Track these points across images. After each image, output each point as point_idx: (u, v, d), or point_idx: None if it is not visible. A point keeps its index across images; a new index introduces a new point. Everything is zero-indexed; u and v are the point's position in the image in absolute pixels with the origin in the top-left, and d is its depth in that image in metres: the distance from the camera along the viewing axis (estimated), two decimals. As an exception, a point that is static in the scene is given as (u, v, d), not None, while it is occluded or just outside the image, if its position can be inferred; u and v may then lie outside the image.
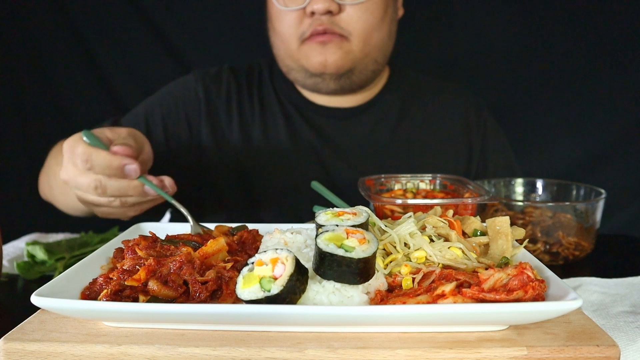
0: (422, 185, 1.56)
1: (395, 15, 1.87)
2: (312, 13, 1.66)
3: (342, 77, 1.77)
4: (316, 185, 1.59)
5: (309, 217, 1.41)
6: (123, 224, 1.43)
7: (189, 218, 1.21)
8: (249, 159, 1.85)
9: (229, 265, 0.95)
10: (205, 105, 1.87)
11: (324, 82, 1.78)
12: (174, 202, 1.25)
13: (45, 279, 1.31)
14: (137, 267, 0.94)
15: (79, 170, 1.23)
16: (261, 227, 1.19)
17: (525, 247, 1.05)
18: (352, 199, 1.38)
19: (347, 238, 0.89)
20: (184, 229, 1.21)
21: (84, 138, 1.24)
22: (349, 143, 1.89)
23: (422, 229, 1.05)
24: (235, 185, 1.86)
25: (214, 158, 1.85)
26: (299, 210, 1.83)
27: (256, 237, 1.12)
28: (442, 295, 0.84)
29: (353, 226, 0.94)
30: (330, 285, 0.87)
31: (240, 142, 1.84)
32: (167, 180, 1.29)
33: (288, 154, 1.85)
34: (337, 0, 1.64)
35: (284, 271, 0.83)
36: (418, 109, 1.97)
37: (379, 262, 0.95)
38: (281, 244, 1.00)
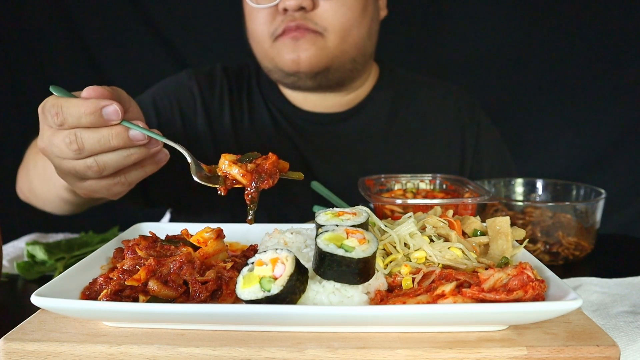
0: (422, 185, 1.56)
1: (377, 14, 1.81)
2: (285, 10, 1.61)
3: (318, 75, 1.71)
4: (316, 185, 1.59)
5: (298, 220, 1.41)
6: (123, 224, 1.43)
7: (189, 158, 1.07)
8: None
9: (229, 265, 0.96)
10: (201, 101, 1.84)
11: (301, 80, 1.73)
12: (166, 140, 1.07)
13: (45, 279, 1.31)
14: (137, 267, 0.94)
15: (53, 130, 1.04)
16: (260, 227, 1.19)
17: (525, 247, 1.05)
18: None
19: (347, 238, 0.89)
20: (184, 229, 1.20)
21: (54, 93, 1.05)
22: (338, 148, 1.86)
23: (422, 229, 1.05)
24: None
25: (211, 158, 1.83)
26: (288, 213, 1.82)
27: (277, 166, 1.02)
28: (442, 295, 0.84)
29: (353, 226, 0.94)
30: (330, 285, 0.87)
31: (233, 144, 1.82)
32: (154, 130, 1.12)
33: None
34: None
35: (284, 271, 0.83)
36: (409, 108, 1.94)
37: (379, 262, 0.95)
38: (281, 244, 1.00)
